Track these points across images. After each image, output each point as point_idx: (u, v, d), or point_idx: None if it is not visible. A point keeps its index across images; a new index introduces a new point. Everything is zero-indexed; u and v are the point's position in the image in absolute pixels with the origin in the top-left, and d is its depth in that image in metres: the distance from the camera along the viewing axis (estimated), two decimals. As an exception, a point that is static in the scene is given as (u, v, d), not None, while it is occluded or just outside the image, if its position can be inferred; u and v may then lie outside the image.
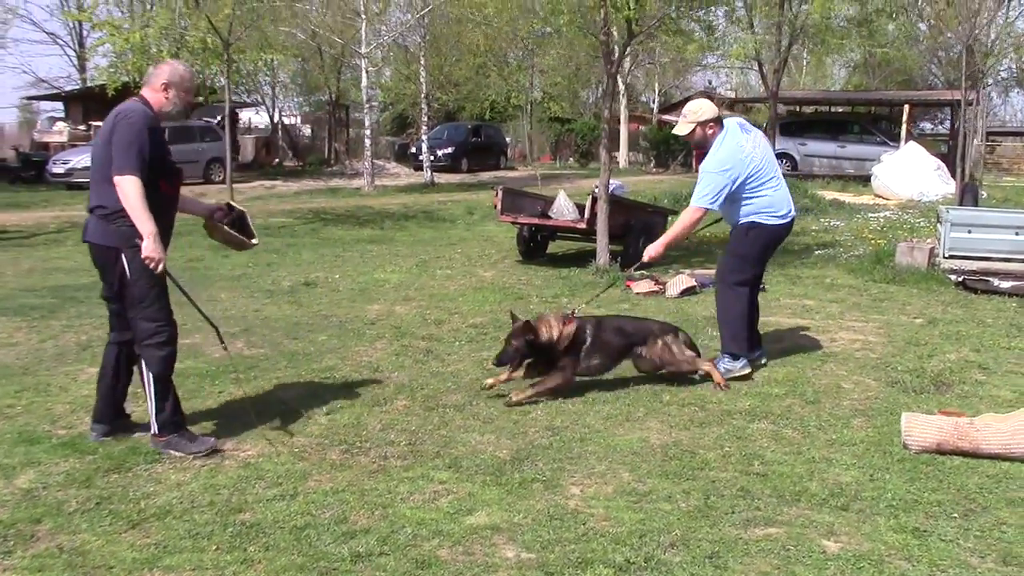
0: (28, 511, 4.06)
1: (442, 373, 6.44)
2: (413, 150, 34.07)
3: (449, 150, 33.35)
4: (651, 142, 36.40)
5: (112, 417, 5.04)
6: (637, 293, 9.54)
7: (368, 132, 22.77)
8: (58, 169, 24.54)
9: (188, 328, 6.17)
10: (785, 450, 4.89)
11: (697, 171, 6.92)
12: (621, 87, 35.26)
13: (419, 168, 30.97)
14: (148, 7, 25.65)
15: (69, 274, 10.72)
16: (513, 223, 11.71)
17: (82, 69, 33.14)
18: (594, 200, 10.80)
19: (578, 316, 5.95)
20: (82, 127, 30.98)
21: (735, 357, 6.25)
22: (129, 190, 4.53)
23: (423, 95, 26.61)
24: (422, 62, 25.78)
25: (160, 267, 4.57)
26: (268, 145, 36.85)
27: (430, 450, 4.87)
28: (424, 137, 27.87)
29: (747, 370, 6.25)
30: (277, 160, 37.09)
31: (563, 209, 11.70)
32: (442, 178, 29.10)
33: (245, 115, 40.14)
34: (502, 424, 5.30)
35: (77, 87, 33.35)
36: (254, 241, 5.44)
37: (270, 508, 4.12)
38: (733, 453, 4.83)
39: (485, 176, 31.57)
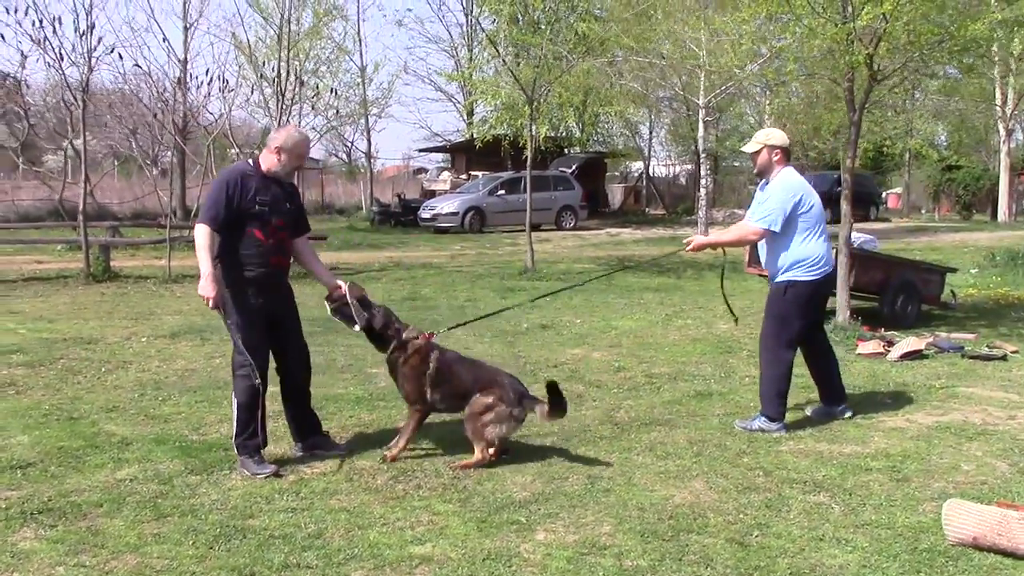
0: (100, 496, 4.92)
1: (565, 417, 6.58)
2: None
3: (811, 200, 32.22)
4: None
5: (302, 435, 5.76)
6: (859, 354, 8.94)
7: (704, 182, 22.84)
8: (426, 214, 27.34)
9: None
10: (803, 525, 4.56)
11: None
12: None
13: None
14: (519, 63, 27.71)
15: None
16: (760, 276, 11.37)
17: (470, 124, 36.48)
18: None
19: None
20: (463, 176, 34.11)
21: (771, 419, 6.16)
22: (197, 236, 5.34)
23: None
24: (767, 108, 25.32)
25: (211, 304, 5.28)
26: (636, 192, 38.06)
27: (462, 485, 5.14)
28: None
29: (783, 433, 6.16)
30: (646, 208, 38.19)
31: (820, 262, 11.16)
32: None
33: (635, 165, 41.69)
34: (557, 470, 5.42)
35: (461, 139, 36.70)
36: (356, 328, 5.76)
37: (274, 518, 4.65)
38: (743, 522, 4.60)
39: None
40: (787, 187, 6.16)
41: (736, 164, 40.77)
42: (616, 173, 43.31)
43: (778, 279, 6.23)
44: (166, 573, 3.99)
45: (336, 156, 46.43)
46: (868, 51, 9.06)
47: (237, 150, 18.91)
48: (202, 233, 5.29)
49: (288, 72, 16.24)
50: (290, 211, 5.64)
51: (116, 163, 33.78)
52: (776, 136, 6.30)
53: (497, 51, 19.40)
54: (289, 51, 15.98)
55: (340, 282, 5.82)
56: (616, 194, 38.42)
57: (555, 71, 16.59)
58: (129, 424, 6.32)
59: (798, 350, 6.39)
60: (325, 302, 5.87)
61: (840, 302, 10.21)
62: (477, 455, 5.53)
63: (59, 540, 4.35)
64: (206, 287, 5.23)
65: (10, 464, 5.41)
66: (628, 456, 5.68)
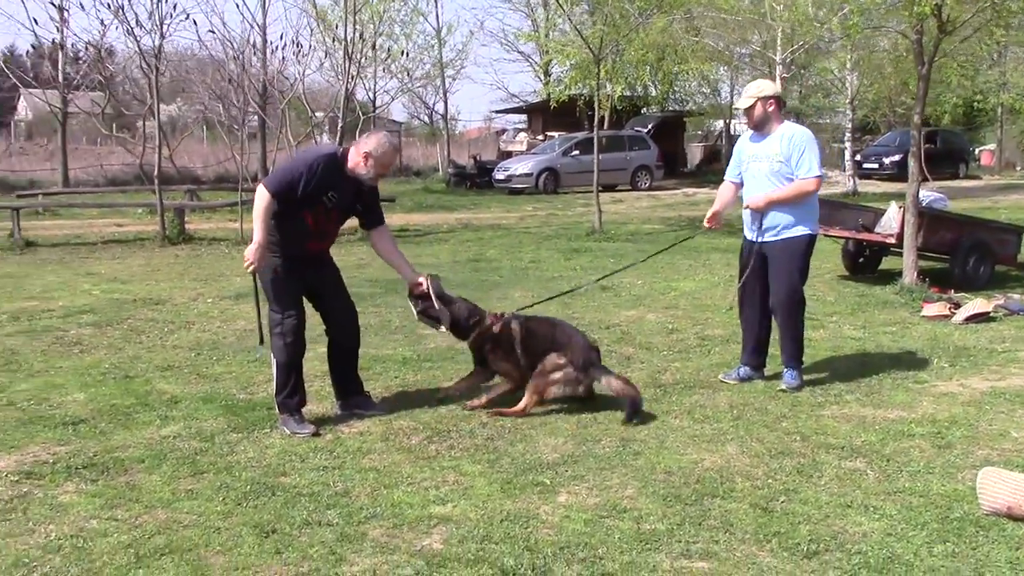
0: (143, 452, 5.09)
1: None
2: (858, 157, 32.52)
3: (896, 158, 31.31)
4: None
5: (344, 395, 5.85)
6: (923, 316, 8.69)
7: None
8: (500, 175, 27.36)
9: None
10: (833, 492, 4.47)
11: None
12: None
13: (865, 176, 29.68)
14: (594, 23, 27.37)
15: (421, 268, 12.15)
16: (824, 235, 11.10)
17: (546, 84, 36.23)
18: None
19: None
20: (540, 137, 33.97)
21: (801, 371, 6.29)
22: (257, 198, 5.42)
23: (849, 100, 25.35)
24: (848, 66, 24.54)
25: (250, 268, 5.38)
26: (715, 152, 37.41)
27: (493, 446, 5.17)
28: (847, 143, 26.55)
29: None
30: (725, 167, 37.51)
31: (891, 223, 10.87)
32: (879, 187, 27.54)
33: (717, 124, 40.95)
34: (591, 432, 5.41)
35: (537, 100, 36.50)
36: (441, 329, 5.94)
37: (305, 475, 4.74)
38: (771, 487, 4.53)
39: (933, 186, 29.17)
40: (812, 137, 6.19)
41: (820, 122, 39.73)
42: (698, 132, 42.59)
43: (794, 232, 6.15)
44: (192, 528, 4.10)
45: (418, 119, 46.59)
46: (936, 1, 8.68)
47: (322, 113, 19.07)
48: (262, 197, 5.35)
49: (356, 35, 16.26)
50: (358, 209, 5.71)
51: (205, 128, 34.43)
52: (767, 87, 6.25)
53: (562, 8, 19.13)
54: (355, 14, 15.95)
55: (421, 277, 5.88)
56: (695, 153, 37.84)
57: (623, 29, 16.32)
58: (181, 383, 6.50)
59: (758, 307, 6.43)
60: (409, 302, 6.02)
61: (907, 263, 9.93)
62: (520, 405, 5.69)
63: (97, 494, 4.51)
64: (253, 253, 5.31)
65: (63, 420, 5.62)
66: (665, 419, 5.63)
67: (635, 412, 5.56)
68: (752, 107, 6.13)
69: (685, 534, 4.01)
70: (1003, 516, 4.10)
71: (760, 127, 6.18)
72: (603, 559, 3.77)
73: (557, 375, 5.69)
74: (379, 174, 5.59)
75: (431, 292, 5.79)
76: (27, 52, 23.88)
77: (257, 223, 5.37)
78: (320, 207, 5.46)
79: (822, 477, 4.67)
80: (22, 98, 40.25)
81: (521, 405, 5.70)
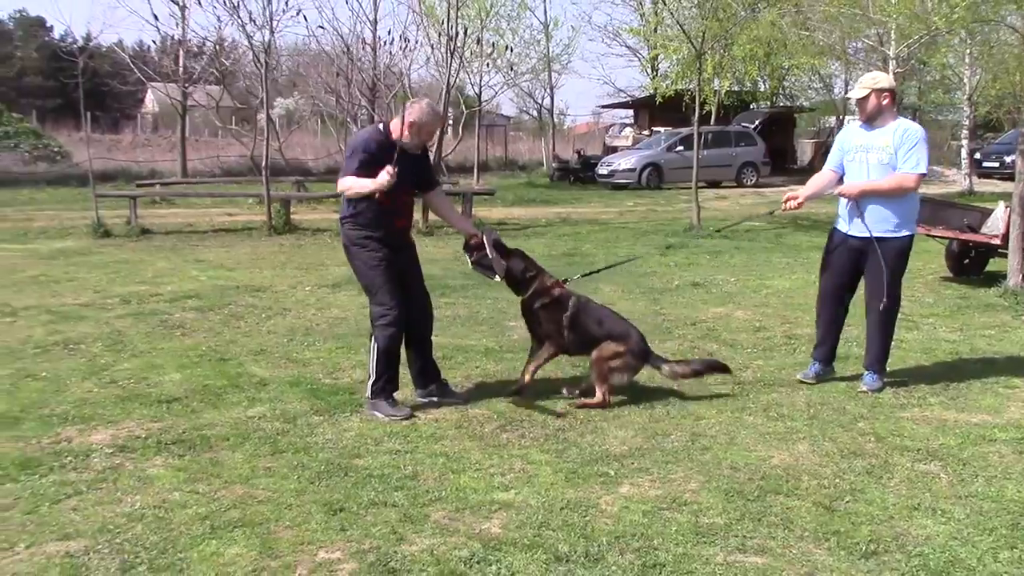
0: (228, 431, 5.33)
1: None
2: (977, 156, 31.34)
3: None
4: None
5: (423, 383, 6.01)
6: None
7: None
8: (603, 170, 27.33)
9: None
10: (901, 494, 4.40)
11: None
12: None
13: (985, 175, 28.60)
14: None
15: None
16: (927, 235, 10.79)
17: (653, 79, 35.94)
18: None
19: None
20: (645, 132, 33.76)
21: (884, 375, 6.19)
22: (346, 185, 5.60)
23: (967, 96, 24.42)
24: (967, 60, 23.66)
25: (386, 181, 5.41)
26: (827, 148, 36.51)
27: (564, 436, 5.25)
28: (964, 141, 25.59)
29: None
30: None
31: (997, 223, 10.51)
32: (999, 186, 26.47)
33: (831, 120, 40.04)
34: (662, 426, 5.43)
35: (644, 95, 36.25)
36: (496, 278, 5.97)
37: (378, 458, 4.91)
38: (838, 487, 4.49)
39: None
40: (925, 134, 6.06)
41: (939, 119, 38.37)
42: (811, 128, 41.65)
43: (901, 232, 6.03)
44: (266, 504, 4.30)
45: (527, 113, 46.79)
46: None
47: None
48: (349, 180, 5.56)
49: (460, 29, 16.48)
50: (415, 179, 5.84)
51: (320, 121, 35.28)
52: (883, 79, 6.09)
53: (665, 2, 18.98)
54: (458, 9, 16.17)
55: (475, 229, 5.99)
56: (806, 150, 36.99)
57: (727, 24, 16.13)
58: (271, 366, 6.77)
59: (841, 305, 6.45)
60: (464, 254, 6.10)
61: (1012, 265, 9.61)
62: (599, 397, 5.78)
63: (183, 468, 4.76)
64: (381, 183, 5.42)
65: (158, 399, 5.93)
66: (740, 416, 5.61)
67: (716, 368, 6.00)
68: (866, 98, 6.00)
69: (743, 529, 4.02)
70: (1077, 525, 3.98)
71: (872, 119, 6.04)
72: (657, 550, 3.82)
73: (616, 362, 5.79)
74: (423, 142, 5.83)
75: (486, 242, 5.85)
76: (150, 47, 24.72)
77: (363, 186, 5.51)
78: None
79: (892, 479, 4.60)
80: (149, 92, 42.02)
81: (599, 397, 5.79)
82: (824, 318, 6.43)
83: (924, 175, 6.01)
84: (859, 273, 6.21)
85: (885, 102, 6.01)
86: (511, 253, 6.02)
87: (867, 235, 6.02)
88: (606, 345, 5.86)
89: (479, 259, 5.96)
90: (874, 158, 6.01)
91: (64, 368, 6.65)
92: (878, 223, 6.00)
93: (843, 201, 6.20)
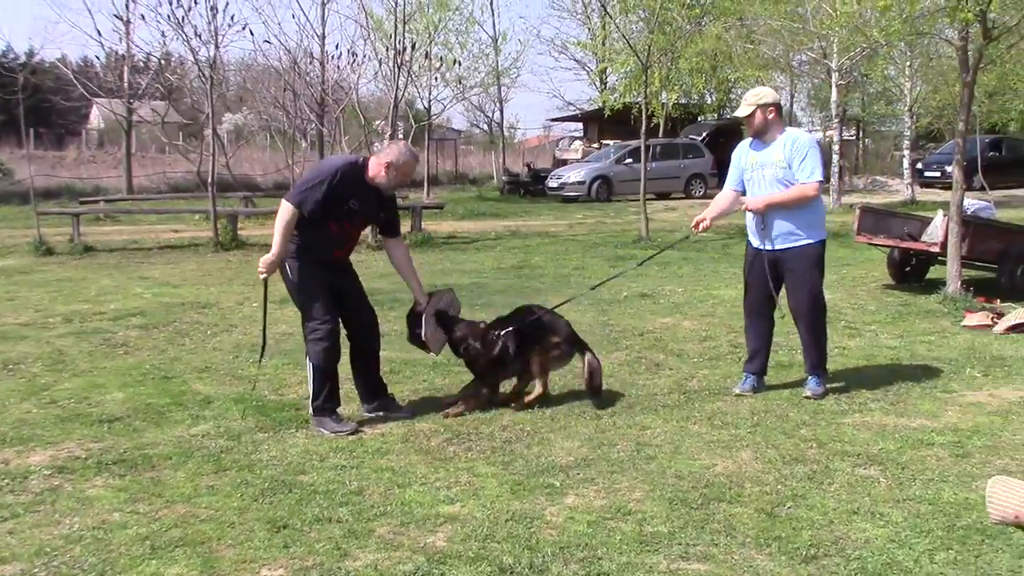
0: (171, 450, 5.26)
1: (635, 385, 6.61)
2: (919, 165, 31.96)
3: (956, 166, 30.68)
4: None
5: (369, 397, 5.99)
6: (964, 326, 8.58)
7: (837, 148, 22.05)
8: (553, 183, 27.47)
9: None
10: (841, 498, 4.46)
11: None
12: None
13: (927, 185, 29.15)
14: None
15: (464, 275, 12.32)
16: (869, 244, 11.02)
17: (602, 92, 36.22)
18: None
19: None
20: (595, 145, 33.98)
21: (825, 379, 6.34)
22: (281, 212, 5.57)
23: (907, 107, 24.91)
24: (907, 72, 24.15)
25: (263, 276, 5.61)
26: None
27: (510, 448, 5.25)
28: (906, 151, 26.10)
29: None
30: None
31: (937, 232, 10.72)
32: (940, 195, 26.96)
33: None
34: (608, 437, 5.45)
35: (593, 108, 36.51)
36: (433, 356, 6.30)
37: (323, 474, 4.87)
38: (780, 493, 4.54)
39: (997, 195, 28.53)
40: (814, 142, 6.18)
41: (882, 130, 39.13)
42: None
43: (810, 239, 6.14)
44: (208, 522, 4.25)
45: (478, 127, 46.88)
46: (981, 6, 8.57)
47: (381, 122, 19.34)
48: (285, 210, 5.51)
49: (408, 44, 16.48)
50: (379, 218, 5.96)
51: (269, 136, 35.03)
52: (766, 94, 6.17)
53: (610, 16, 19.17)
54: (405, 24, 16.18)
55: (424, 297, 6.03)
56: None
57: (671, 37, 16.32)
58: (216, 384, 6.70)
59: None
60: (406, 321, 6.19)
61: (950, 272, 9.81)
62: (539, 389, 6.07)
63: (123, 489, 4.69)
64: (269, 264, 5.54)
65: (99, 418, 5.84)
66: (685, 425, 5.66)
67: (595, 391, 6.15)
68: (752, 115, 6.11)
69: (686, 537, 4.05)
70: (1011, 524, 4.08)
71: (761, 134, 6.15)
72: (601, 559, 3.83)
73: (555, 353, 6.12)
74: (400, 183, 5.82)
75: (424, 316, 5.93)
76: (94, 63, 24.40)
77: (277, 235, 5.53)
78: (343, 215, 5.61)
79: (832, 484, 4.67)
80: (94, 108, 41.41)
81: (538, 391, 6.08)
82: (752, 333, 6.52)
83: (822, 181, 6.18)
84: (779, 282, 6.30)
85: (771, 116, 6.11)
86: (455, 324, 6.16)
87: (781, 247, 6.15)
88: (546, 339, 6.12)
89: (414, 337, 6.07)
90: (769, 174, 6.13)
91: (2, 389, 6.53)
92: (787, 235, 6.12)
93: (750, 216, 6.31)
